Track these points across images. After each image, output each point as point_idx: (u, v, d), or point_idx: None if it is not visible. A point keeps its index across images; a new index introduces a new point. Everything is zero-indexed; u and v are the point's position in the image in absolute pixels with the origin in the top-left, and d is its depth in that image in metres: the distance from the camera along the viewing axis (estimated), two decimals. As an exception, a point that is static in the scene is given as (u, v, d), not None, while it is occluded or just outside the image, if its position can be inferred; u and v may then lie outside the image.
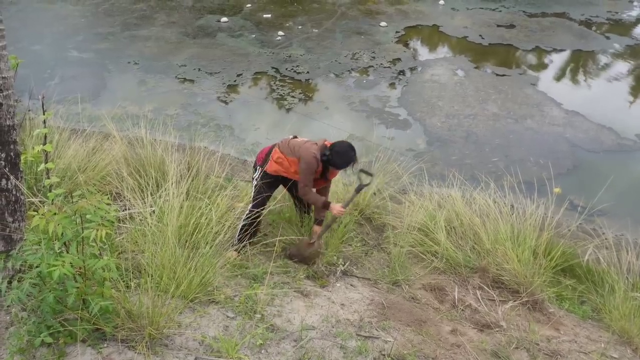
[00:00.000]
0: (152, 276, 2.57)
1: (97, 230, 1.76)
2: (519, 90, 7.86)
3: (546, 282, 3.58)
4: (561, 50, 9.51)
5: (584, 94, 8.09)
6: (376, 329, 2.81)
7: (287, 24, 10.35)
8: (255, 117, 7.04)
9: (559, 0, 12.10)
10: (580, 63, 9.28)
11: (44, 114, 2.18)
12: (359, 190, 3.51)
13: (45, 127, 2.16)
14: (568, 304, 3.46)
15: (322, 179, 3.54)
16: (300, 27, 10.24)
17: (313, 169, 3.34)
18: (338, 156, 3.36)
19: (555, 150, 6.36)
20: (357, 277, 3.57)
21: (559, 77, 8.62)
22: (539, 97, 7.70)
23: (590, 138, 6.65)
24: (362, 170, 3.60)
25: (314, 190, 3.55)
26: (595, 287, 3.61)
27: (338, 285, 3.39)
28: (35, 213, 1.78)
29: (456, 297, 3.39)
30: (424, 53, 9.47)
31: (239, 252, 3.46)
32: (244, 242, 3.48)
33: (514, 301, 3.34)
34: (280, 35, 9.74)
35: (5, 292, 1.88)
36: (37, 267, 1.81)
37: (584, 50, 9.54)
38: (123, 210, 3.53)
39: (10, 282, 1.98)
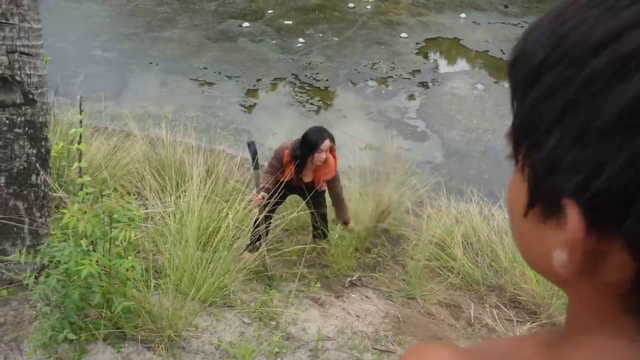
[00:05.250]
0: (170, 278, 2.58)
1: (125, 230, 1.77)
2: (539, 107, 7.78)
3: (564, 304, 3.52)
4: (583, 69, 9.42)
5: (605, 114, 7.98)
6: (392, 343, 2.79)
7: (308, 31, 10.42)
8: (273, 123, 7.08)
9: (582, 18, 12.00)
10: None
11: (80, 114, 2.22)
12: (253, 157, 3.17)
13: (81, 126, 2.19)
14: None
15: (304, 182, 3.37)
16: (320, 34, 10.30)
17: (277, 158, 3.31)
18: (304, 139, 3.12)
19: (575, 170, 6.27)
20: (372, 288, 3.55)
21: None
22: (560, 115, 7.61)
23: (611, 159, 6.55)
24: (248, 144, 3.24)
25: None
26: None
27: (353, 296, 3.37)
28: (57, 210, 1.81)
29: (472, 315, 3.35)
30: (443, 65, 9.45)
31: (251, 252, 3.45)
32: (256, 245, 3.47)
33: (532, 322, 3.28)
34: (301, 42, 9.80)
35: (32, 286, 1.91)
36: (64, 263, 1.83)
37: (606, 69, 9.43)
38: (141, 209, 3.56)
39: (37, 277, 2.01)
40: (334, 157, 3.31)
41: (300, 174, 3.32)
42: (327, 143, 3.12)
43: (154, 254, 2.96)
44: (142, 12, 11.19)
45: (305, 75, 8.42)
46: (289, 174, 3.30)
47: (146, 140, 4.84)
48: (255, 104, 7.64)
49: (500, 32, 10.89)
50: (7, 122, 2.15)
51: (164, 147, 4.49)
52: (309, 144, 3.12)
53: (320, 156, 3.13)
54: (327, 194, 3.63)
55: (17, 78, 2.12)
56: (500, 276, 3.70)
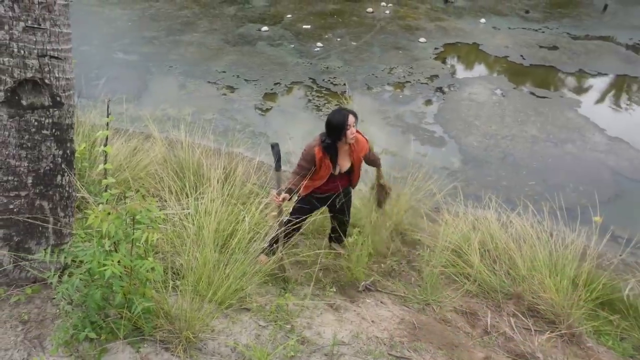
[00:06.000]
0: (188, 279, 2.62)
1: (148, 232, 1.81)
2: (559, 114, 7.66)
3: (584, 314, 3.44)
4: (606, 75, 9.24)
5: (629, 121, 7.82)
6: (407, 350, 2.77)
7: (326, 36, 10.46)
8: (290, 126, 7.11)
9: (605, 23, 11.80)
10: (626, 89, 8.98)
11: (107, 117, 2.28)
12: (277, 159, 3.15)
13: (107, 129, 2.25)
14: (610, 341, 3.31)
15: (340, 175, 3.39)
16: (339, 39, 10.32)
17: (307, 159, 3.26)
18: (329, 125, 3.16)
19: (596, 178, 6.15)
20: (387, 293, 3.53)
21: (602, 102, 8.37)
22: (581, 122, 7.48)
23: (634, 167, 6.40)
24: (272, 145, 3.17)
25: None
26: (638, 324, 3.45)
27: (368, 301, 3.36)
28: (79, 210, 1.85)
29: (489, 323, 3.31)
30: (462, 71, 9.38)
31: (267, 256, 3.47)
32: (273, 248, 3.49)
33: (551, 332, 3.22)
34: (319, 47, 9.84)
35: (56, 285, 1.95)
36: (87, 263, 1.87)
37: (630, 75, 9.24)
38: (160, 210, 3.61)
39: (60, 276, 2.06)
40: (359, 132, 3.36)
41: (337, 164, 3.34)
42: (351, 118, 3.17)
43: (171, 256, 3.01)
44: (163, 16, 11.39)
45: (323, 80, 8.45)
46: (324, 170, 3.31)
47: (165, 142, 4.91)
48: (272, 107, 7.69)
49: (520, 37, 10.76)
50: (36, 123, 2.22)
51: (183, 149, 4.55)
52: (336, 126, 3.15)
53: (351, 132, 3.17)
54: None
55: (47, 81, 2.18)
56: (518, 284, 3.65)
